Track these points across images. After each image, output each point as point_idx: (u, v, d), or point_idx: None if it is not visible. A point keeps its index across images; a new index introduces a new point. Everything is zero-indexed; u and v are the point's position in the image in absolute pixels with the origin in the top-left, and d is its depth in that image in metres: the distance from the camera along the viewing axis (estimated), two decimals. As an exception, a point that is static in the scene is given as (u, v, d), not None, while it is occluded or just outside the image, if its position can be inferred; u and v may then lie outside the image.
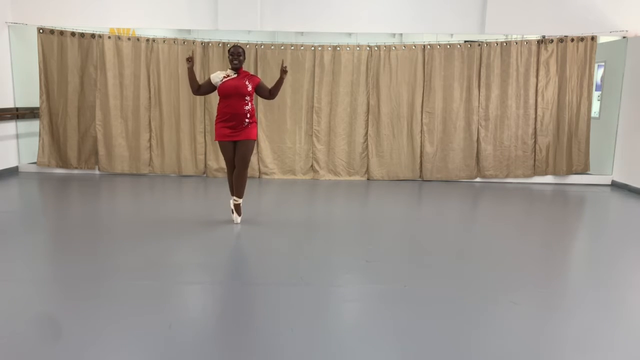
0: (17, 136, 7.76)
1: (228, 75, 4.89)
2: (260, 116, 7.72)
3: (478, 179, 7.91)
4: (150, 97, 7.72)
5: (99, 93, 7.63)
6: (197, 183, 7.41)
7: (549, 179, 7.92)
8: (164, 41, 7.62)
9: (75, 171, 7.86)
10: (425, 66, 7.68)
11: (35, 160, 7.85)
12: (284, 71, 4.93)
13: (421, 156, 7.83)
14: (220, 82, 4.88)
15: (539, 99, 7.67)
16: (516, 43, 7.61)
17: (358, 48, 7.69)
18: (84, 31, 7.53)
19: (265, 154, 7.81)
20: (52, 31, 7.47)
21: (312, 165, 7.89)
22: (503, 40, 7.72)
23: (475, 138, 7.77)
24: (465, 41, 8.12)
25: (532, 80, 7.63)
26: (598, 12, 7.36)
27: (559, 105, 7.69)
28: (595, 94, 8.13)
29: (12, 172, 7.67)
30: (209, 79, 4.97)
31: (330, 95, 7.75)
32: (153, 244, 4.42)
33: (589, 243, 5.11)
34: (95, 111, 7.65)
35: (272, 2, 7.41)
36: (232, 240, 4.69)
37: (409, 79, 7.71)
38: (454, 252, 4.44)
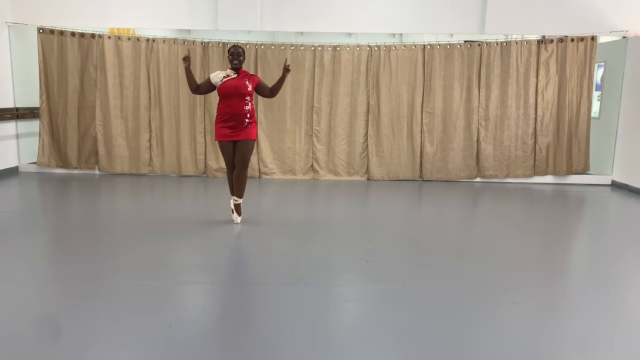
0: (17, 136, 7.76)
1: (228, 75, 4.89)
2: (260, 116, 7.72)
3: (478, 179, 7.91)
4: (150, 97, 7.72)
5: (99, 93, 7.63)
6: (197, 183, 7.41)
7: (549, 179, 7.92)
8: (164, 41, 7.62)
9: (75, 171, 7.86)
10: (425, 66, 7.68)
11: (35, 160, 7.85)
12: (286, 69, 4.93)
13: (421, 156, 7.83)
14: (220, 82, 4.88)
15: (539, 99, 7.67)
16: (516, 43, 7.61)
17: (358, 48, 7.69)
18: (84, 31, 7.53)
19: (265, 154, 7.81)
20: (52, 31, 7.47)
21: (312, 165, 7.89)
22: (503, 40, 7.73)
23: (475, 138, 7.77)
24: (465, 41, 8.12)
25: (532, 80, 7.63)
26: (598, 12, 7.36)
27: (559, 105, 7.69)
28: (595, 94, 8.13)
29: (12, 172, 7.67)
30: (209, 79, 4.97)
31: (330, 95, 7.75)
32: (153, 244, 4.42)
33: (589, 243, 5.11)
34: (95, 111, 7.66)
35: (272, 2, 7.41)
36: (232, 240, 4.69)
37: (409, 79, 7.71)
38: (454, 252, 4.44)
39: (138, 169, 7.82)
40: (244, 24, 7.46)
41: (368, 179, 7.87)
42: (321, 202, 6.66)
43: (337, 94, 7.73)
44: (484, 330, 2.95)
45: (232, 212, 5.14)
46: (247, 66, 7.51)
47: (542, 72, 7.62)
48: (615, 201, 6.86)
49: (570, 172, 7.86)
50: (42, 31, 7.46)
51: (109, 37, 7.59)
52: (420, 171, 7.87)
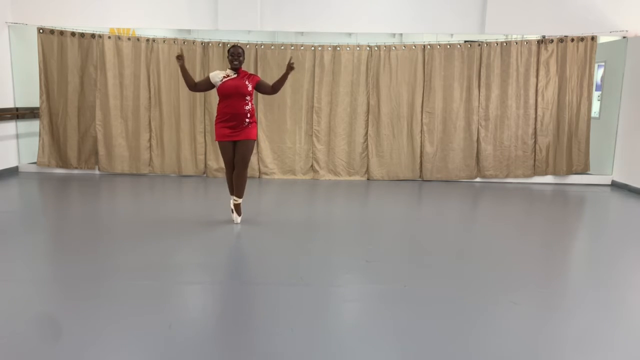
0: (17, 136, 7.76)
1: (228, 75, 4.89)
2: (260, 116, 7.72)
3: (478, 179, 7.91)
4: (150, 97, 7.72)
5: (99, 93, 7.63)
6: (197, 183, 7.41)
7: (549, 179, 7.92)
8: (164, 41, 7.62)
9: (75, 171, 7.86)
10: (425, 66, 7.68)
11: (35, 160, 7.85)
12: (290, 67, 4.91)
13: (421, 156, 7.83)
14: (220, 82, 4.87)
15: (539, 99, 7.67)
16: (516, 43, 7.61)
17: (358, 48, 7.69)
18: (84, 31, 7.53)
19: (265, 154, 7.81)
20: (52, 31, 7.47)
21: (312, 165, 7.89)
22: (503, 40, 7.72)
23: (475, 138, 7.77)
24: (465, 41, 8.12)
25: (532, 80, 7.63)
26: (598, 12, 7.36)
27: (559, 105, 7.69)
28: (595, 94, 8.13)
29: (12, 172, 7.67)
30: (208, 77, 4.96)
31: (330, 95, 7.75)
32: (153, 244, 4.42)
33: (589, 243, 5.11)
34: (95, 111, 7.65)
35: (272, 2, 7.41)
36: (232, 240, 4.69)
37: (409, 79, 7.71)
38: (454, 252, 4.44)
39: (138, 169, 7.82)
40: (244, 24, 7.46)
41: (368, 179, 7.87)
42: (321, 202, 6.66)
43: (337, 94, 7.73)
44: (484, 330, 2.96)
45: (232, 212, 5.14)
46: (247, 66, 7.51)
47: (542, 72, 7.62)
48: (615, 201, 6.86)
49: (570, 172, 7.86)
50: (42, 31, 7.46)
51: (109, 37, 7.59)
52: (420, 171, 7.87)
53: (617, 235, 5.20)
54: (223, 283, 3.66)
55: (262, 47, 7.65)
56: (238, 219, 5.11)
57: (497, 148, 7.78)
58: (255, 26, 7.45)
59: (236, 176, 4.98)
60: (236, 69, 4.91)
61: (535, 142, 7.78)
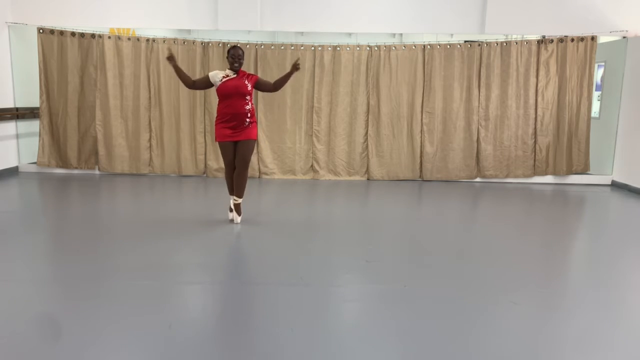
0: (17, 136, 7.76)
1: (227, 75, 4.89)
2: (260, 116, 7.72)
3: (478, 179, 7.91)
4: (150, 97, 7.72)
5: (99, 93, 7.63)
6: (197, 183, 7.41)
7: (549, 179, 7.92)
8: (164, 41, 7.62)
9: (75, 171, 7.86)
10: (425, 66, 7.68)
11: (35, 160, 7.85)
12: (296, 67, 4.90)
13: (421, 156, 7.83)
14: (219, 82, 4.87)
15: (539, 99, 7.67)
16: (516, 43, 7.61)
17: (358, 48, 7.69)
18: (84, 31, 7.53)
19: (265, 154, 7.81)
20: (52, 31, 7.47)
21: (312, 165, 7.89)
22: (503, 40, 7.73)
23: (475, 138, 7.77)
24: (465, 41, 8.12)
25: (532, 80, 7.63)
26: (598, 12, 7.36)
27: (559, 105, 7.69)
28: (595, 94, 8.13)
29: (12, 172, 7.67)
30: (207, 76, 4.96)
31: (330, 95, 7.75)
32: (153, 244, 4.42)
33: (589, 243, 5.11)
34: (95, 111, 7.65)
35: (272, 2, 7.41)
36: (232, 240, 4.69)
37: (409, 79, 7.71)
38: (454, 252, 4.44)
39: (138, 169, 7.82)
40: (244, 24, 7.46)
41: (368, 179, 7.87)
42: (321, 202, 6.66)
43: (337, 94, 7.73)
44: (484, 330, 2.96)
45: (230, 211, 5.14)
46: (247, 66, 7.51)
47: (542, 72, 7.62)
48: (615, 201, 6.86)
49: (570, 172, 7.86)
50: (42, 31, 7.46)
51: (109, 37, 7.59)
52: (420, 171, 7.87)
53: (617, 235, 5.20)
54: (223, 283, 3.66)
55: (262, 47, 7.65)
56: (238, 219, 5.11)
57: (497, 148, 7.78)
58: (255, 26, 7.45)
59: (237, 176, 4.98)
60: (236, 70, 4.91)
61: (535, 142, 7.78)
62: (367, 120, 7.79)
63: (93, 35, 7.55)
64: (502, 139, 7.75)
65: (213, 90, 5.08)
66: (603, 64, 8.11)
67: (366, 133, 7.81)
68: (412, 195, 7.00)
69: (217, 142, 5.13)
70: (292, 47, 7.68)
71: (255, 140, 5.03)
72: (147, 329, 2.87)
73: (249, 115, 4.89)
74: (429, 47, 7.66)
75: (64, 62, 7.55)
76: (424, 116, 7.76)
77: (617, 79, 7.64)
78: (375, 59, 7.68)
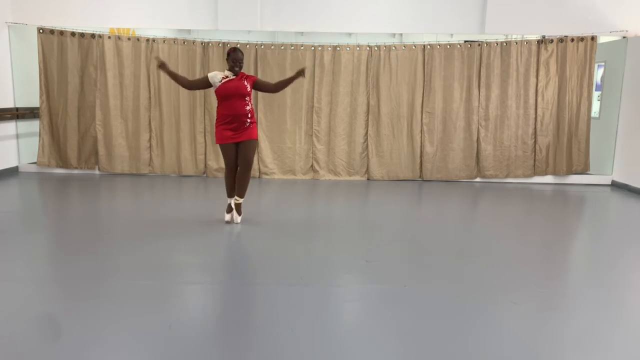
0: (17, 136, 7.76)
1: (227, 77, 4.87)
2: (260, 116, 7.72)
3: (478, 179, 7.91)
4: (150, 97, 7.72)
5: (99, 93, 7.63)
6: (197, 183, 7.41)
7: (549, 179, 7.91)
8: (164, 41, 7.62)
9: (75, 171, 7.86)
10: (425, 66, 7.68)
11: (35, 160, 7.85)
12: (300, 74, 4.93)
13: (421, 156, 7.83)
14: (219, 83, 4.86)
15: (539, 99, 7.67)
16: (516, 43, 7.61)
17: (358, 48, 7.69)
18: (84, 31, 7.53)
19: (265, 154, 7.81)
20: (52, 31, 7.47)
21: (312, 165, 7.89)
22: (503, 40, 7.73)
23: (475, 138, 7.77)
24: (465, 41, 8.12)
25: (532, 80, 7.63)
26: (598, 12, 7.36)
27: (559, 105, 7.69)
28: (595, 94, 8.13)
29: (12, 172, 7.67)
30: (206, 77, 4.93)
31: (330, 95, 7.75)
32: (153, 244, 4.42)
33: (589, 243, 5.11)
34: (95, 111, 7.65)
35: (272, 2, 7.41)
36: (232, 240, 4.69)
37: (409, 79, 7.71)
38: (454, 252, 4.44)
39: (138, 169, 7.82)
40: (244, 24, 7.46)
41: (368, 179, 7.87)
42: (321, 202, 6.66)
43: (337, 94, 7.73)
44: (484, 330, 2.96)
45: (227, 213, 5.13)
46: (247, 66, 7.51)
47: (542, 72, 7.62)
48: (615, 201, 6.86)
49: (570, 172, 7.86)
50: (42, 31, 7.46)
51: (109, 37, 7.59)
52: (420, 171, 7.87)
53: (617, 235, 5.20)
54: (223, 283, 3.66)
55: (262, 47, 7.65)
56: (238, 219, 5.11)
57: (497, 148, 7.78)
58: (255, 26, 7.45)
59: (240, 177, 4.97)
60: (236, 73, 4.89)
61: (535, 142, 7.78)
62: (367, 120, 7.79)
63: (93, 35, 7.55)
64: (502, 139, 7.75)
65: (213, 90, 5.07)
66: (603, 64, 8.11)
67: (366, 133, 7.81)
68: (412, 195, 7.00)
69: (217, 144, 5.10)
70: (292, 47, 7.68)
71: (256, 140, 5.03)
72: (147, 329, 2.87)
73: (249, 116, 4.89)
74: (429, 47, 7.66)
75: (64, 62, 7.55)
76: (424, 116, 7.76)
77: (617, 79, 7.64)
78: (375, 59, 7.68)
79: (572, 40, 7.52)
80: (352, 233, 4.99)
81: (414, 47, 7.69)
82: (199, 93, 7.65)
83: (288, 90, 7.61)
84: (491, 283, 3.69)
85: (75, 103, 7.65)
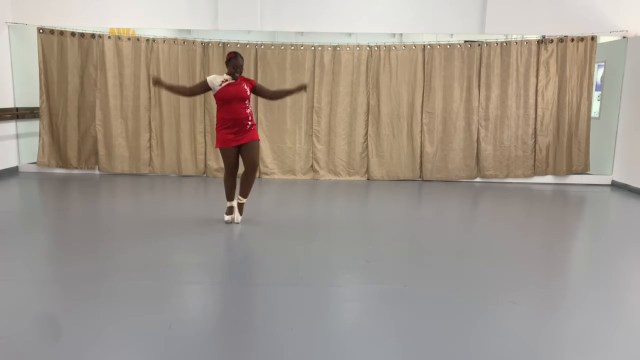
0: (17, 136, 7.76)
1: (226, 80, 4.85)
2: (260, 116, 7.72)
3: (478, 179, 7.91)
4: (150, 97, 7.72)
5: (99, 93, 7.63)
6: (197, 183, 7.41)
7: (549, 179, 7.91)
8: (164, 41, 7.62)
9: (75, 171, 7.86)
10: (425, 66, 7.68)
11: (35, 160, 7.84)
12: (301, 89, 5.00)
13: (421, 156, 7.83)
14: (219, 87, 4.82)
15: (539, 99, 7.67)
16: (516, 43, 7.61)
17: (358, 48, 7.68)
18: (84, 31, 7.53)
19: (265, 154, 7.81)
20: (52, 31, 7.47)
21: (312, 165, 7.89)
22: (503, 40, 7.73)
23: (475, 138, 7.77)
24: (465, 41, 8.12)
25: (532, 80, 7.63)
26: (598, 12, 7.36)
27: (559, 105, 7.69)
28: (595, 94, 8.13)
29: (12, 172, 7.67)
30: (205, 81, 4.88)
31: (330, 95, 7.75)
32: (153, 244, 4.42)
33: (589, 243, 5.11)
34: (95, 111, 7.65)
35: (272, 2, 7.41)
36: (232, 240, 4.69)
37: (409, 79, 7.71)
38: (454, 252, 4.44)
39: (138, 169, 7.82)
40: (244, 24, 7.46)
41: (368, 179, 7.87)
42: (321, 202, 6.66)
43: (337, 94, 7.73)
44: (484, 330, 2.95)
45: (227, 214, 5.13)
46: (247, 66, 7.51)
47: (542, 72, 7.62)
48: (615, 201, 6.86)
49: (570, 172, 7.86)
50: (42, 31, 7.46)
51: (109, 37, 7.59)
52: (420, 171, 7.87)
53: (617, 235, 5.20)
54: (223, 283, 3.66)
55: (262, 47, 7.65)
56: (239, 218, 5.11)
57: (497, 148, 7.78)
58: (255, 26, 7.45)
59: (245, 177, 4.97)
60: (236, 78, 4.88)
61: (535, 142, 7.78)
62: (367, 120, 7.79)
63: (93, 35, 7.55)
64: (502, 139, 7.75)
65: (212, 93, 5.03)
66: (603, 64, 8.11)
67: (366, 133, 7.81)
68: (412, 195, 7.00)
69: (217, 148, 5.07)
70: (292, 47, 7.68)
71: (259, 140, 5.03)
72: (147, 329, 2.87)
73: (249, 119, 4.89)
74: (429, 47, 7.65)
75: (64, 62, 7.55)
76: (424, 116, 7.76)
77: (617, 79, 7.64)
78: (375, 59, 7.68)
79: (572, 40, 7.52)
80: (352, 233, 4.99)
81: (414, 47, 7.69)
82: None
83: (288, 90, 7.65)
84: (491, 283, 3.69)
85: (75, 103, 7.65)
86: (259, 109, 7.70)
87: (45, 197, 6.58)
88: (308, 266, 3.95)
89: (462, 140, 7.76)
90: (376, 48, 7.67)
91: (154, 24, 7.67)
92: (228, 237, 4.74)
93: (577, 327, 3.07)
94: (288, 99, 7.67)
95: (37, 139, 7.71)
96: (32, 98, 7.70)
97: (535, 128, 7.75)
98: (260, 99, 7.60)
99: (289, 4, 7.43)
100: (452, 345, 2.77)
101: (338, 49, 7.67)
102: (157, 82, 4.86)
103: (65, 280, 3.59)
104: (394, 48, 7.68)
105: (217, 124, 4.95)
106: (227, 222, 5.11)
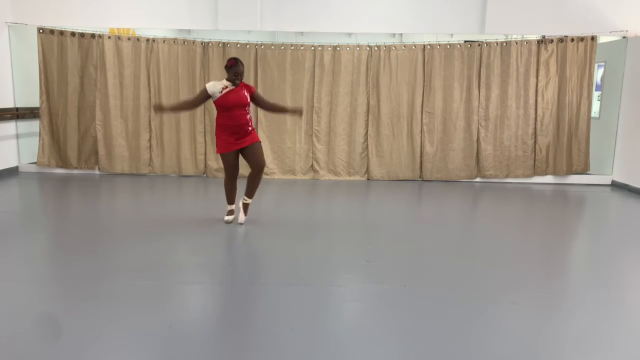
0: (17, 136, 7.76)
1: (226, 87, 4.81)
2: (260, 116, 7.72)
3: (478, 179, 7.91)
4: (150, 97, 7.72)
5: (99, 93, 7.63)
6: (197, 183, 7.41)
7: (549, 179, 7.91)
8: (164, 41, 7.62)
9: (75, 171, 7.86)
10: (425, 66, 7.67)
11: (35, 160, 7.85)
12: (299, 113, 5.11)
13: (421, 156, 7.83)
14: (219, 95, 4.79)
15: (539, 99, 7.67)
16: (516, 43, 7.61)
17: (358, 48, 7.68)
18: (84, 31, 7.53)
19: (265, 154, 7.74)
20: (52, 31, 7.47)
21: (312, 165, 7.89)
22: (503, 40, 7.72)
23: (475, 138, 7.77)
24: (465, 41, 8.12)
25: (532, 80, 7.63)
26: (598, 12, 7.36)
27: (559, 105, 7.69)
28: (595, 94, 8.13)
29: (12, 172, 7.67)
30: (205, 90, 4.82)
31: (330, 95, 7.75)
32: (153, 243, 4.42)
33: (589, 243, 5.11)
34: (95, 111, 7.65)
35: (272, 2, 7.41)
36: (232, 240, 4.69)
37: (409, 79, 7.71)
38: (454, 252, 4.44)
39: (138, 169, 7.82)
40: (244, 24, 7.46)
41: (368, 179, 7.87)
42: (321, 202, 6.66)
43: (337, 94, 7.73)
44: (484, 330, 2.96)
45: (228, 215, 5.13)
46: (247, 67, 7.51)
47: (542, 72, 7.62)
48: (615, 201, 6.86)
49: (570, 172, 7.86)
50: (42, 31, 7.46)
51: (109, 37, 7.58)
52: (420, 171, 7.87)
53: (617, 235, 5.20)
54: (223, 283, 3.66)
55: (262, 47, 7.65)
56: (243, 219, 5.08)
57: (497, 148, 7.78)
58: (255, 26, 7.45)
59: (252, 178, 4.97)
60: (237, 85, 4.86)
61: (535, 142, 7.78)
62: (367, 120, 7.79)
63: (93, 35, 7.55)
64: (502, 139, 7.75)
65: (211, 100, 4.98)
66: (603, 64, 8.11)
67: (366, 133, 7.81)
68: (412, 195, 7.00)
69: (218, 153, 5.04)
70: (292, 47, 7.67)
71: (260, 142, 5.02)
72: (147, 329, 2.87)
73: (249, 124, 4.90)
74: (429, 47, 7.65)
75: (64, 62, 7.55)
76: (424, 116, 7.76)
77: (617, 79, 7.64)
78: (375, 59, 7.68)
79: (572, 40, 7.52)
80: (352, 233, 4.99)
81: (414, 47, 7.69)
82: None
83: (288, 90, 7.65)
84: (491, 283, 3.69)
85: (75, 103, 7.65)
86: (259, 109, 7.68)
87: (45, 197, 6.58)
88: (308, 266, 3.95)
89: (462, 140, 7.76)
90: (376, 48, 7.67)
91: (154, 24, 7.67)
92: (228, 237, 4.74)
93: (577, 327, 3.07)
94: (288, 99, 7.69)
95: (37, 139, 7.71)
96: (32, 98, 7.70)
97: (535, 128, 7.75)
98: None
99: (289, 4, 7.43)
100: (452, 345, 2.77)
101: (338, 49, 7.67)
102: (159, 109, 4.87)
103: (65, 280, 3.59)
104: (394, 48, 7.68)
105: (217, 130, 4.93)
106: (227, 222, 5.11)
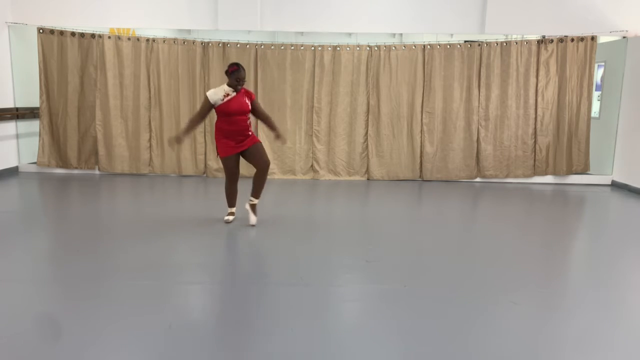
0: (17, 136, 7.76)
1: (228, 95, 4.80)
2: (260, 116, 7.72)
3: (478, 179, 7.91)
4: (150, 97, 7.72)
5: (99, 93, 7.63)
6: (197, 183, 7.41)
7: (549, 179, 7.91)
8: (164, 41, 7.62)
9: (75, 171, 7.86)
10: (425, 66, 7.67)
11: (35, 160, 7.84)
12: (282, 140, 5.27)
13: (421, 156, 7.83)
14: (221, 102, 4.79)
15: (539, 99, 7.67)
16: (516, 43, 7.60)
17: (358, 48, 7.68)
18: (84, 31, 7.53)
19: (265, 154, 7.80)
20: (52, 31, 7.47)
21: (312, 165, 7.89)
22: (503, 40, 7.72)
23: (475, 138, 7.77)
24: (465, 41, 8.12)
25: (532, 80, 7.63)
26: (598, 12, 7.36)
27: (559, 105, 7.69)
28: (595, 94, 8.13)
29: (12, 172, 7.67)
30: (207, 100, 4.79)
31: (330, 95, 7.75)
32: (153, 244, 4.42)
33: (589, 243, 5.11)
34: (95, 111, 7.65)
35: (272, 2, 7.41)
36: (232, 240, 4.69)
37: (409, 79, 7.71)
38: (454, 252, 4.44)
39: (138, 169, 7.82)
40: (244, 24, 7.46)
41: (368, 179, 7.87)
42: (321, 202, 6.66)
43: (337, 94, 7.73)
44: (484, 330, 2.96)
45: (228, 215, 5.14)
46: (247, 67, 7.51)
47: (542, 72, 7.61)
48: (615, 201, 6.86)
49: (570, 172, 7.86)
50: (42, 31, 7.46)
51: (109, 37, 7.58)
52: (420, 171, 7.87)
53: (617, 235, 5.20)
54: (223, 283, 3.66)
55: (262, 47, 7.65)
56: (254, 220, 5.03)
57: (497, 148, 7.78)
58: (255, 26, 7.45)
59: (258, 178, 4.96)
60: (238, 91, 4.85)
61: (535, 142, 7.78)
62: (367, 120, 7.79)
63: (93, 35, 7.55)
64: (502, 139, 7.75)
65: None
66: (603, 64, 8.11)
67: (366, 133, 7.81)
68: (412, 195, 7.00)
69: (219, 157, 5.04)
70: (292, 47, 7.67)
71: (261, 142, 5.02)
72: (147, 329, 2.87)
73: (249, 128, 4.92)
74: (429, 47, 7.65)
75: (64, 62, 7.55)
76: (424, 116, 7.76)
77: (617, 79, 7.64)
78: (375, 59, 7.68)
79: (572, 40, 7.52)
80: (352, 233, 5.00)
81: (414, 47, 7.69)
82: (198, 93, 7.65)
83: (288, 90, 7.67)
84: (491, 283, 3.69)
85: (75, 103, 7.65)
86: (259, 109, 7.69)
87: (45, 197, 6.58)
88: (308, 266, 3.95)
89: (462, 140, 7.76)
90: (376, 48, 7.67)
91: (154, 24, 7.67)
92: (228, 237, 4.74)
93: (577, 327, 3.07)
94: (288, 99, 7.70)
95: (37, 139, 7.71)
96: (32, 98, 7.70)
97: (535, 128, 7.74)
98: (260, 99, 7.60)
99: (289, 4, 7.43)
100: (452, 345, 2.77)
101: (338, 49, 7.67)
102: (176, 140, 4.89)
103: (65, 280, 3.59)
104: (394, 48, 7.68)
105: (216, 133, 4.93)
106: (226, 222, 5.11)
